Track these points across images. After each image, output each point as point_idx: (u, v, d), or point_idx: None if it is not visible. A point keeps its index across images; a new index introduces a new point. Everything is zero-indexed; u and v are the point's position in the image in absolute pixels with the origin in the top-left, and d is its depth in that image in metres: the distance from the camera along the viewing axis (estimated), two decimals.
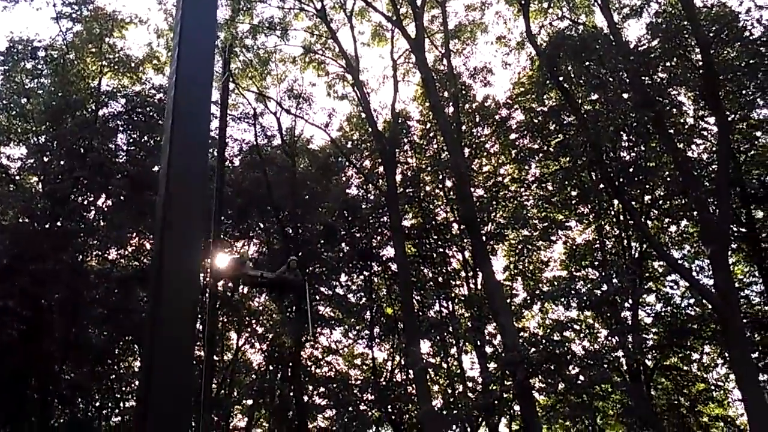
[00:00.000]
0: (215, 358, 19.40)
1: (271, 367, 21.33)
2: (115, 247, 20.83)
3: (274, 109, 24.07)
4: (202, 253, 20.16)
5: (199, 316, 20.57)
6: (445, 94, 24.08)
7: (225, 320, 21.27)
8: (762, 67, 21.25)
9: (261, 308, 22.55)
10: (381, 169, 23.63)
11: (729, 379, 19.15)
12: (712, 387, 20.14)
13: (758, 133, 21.89)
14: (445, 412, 19.11)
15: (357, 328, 22.65)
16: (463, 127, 24.12)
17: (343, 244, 23.04)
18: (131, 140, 21.76)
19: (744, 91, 21.49)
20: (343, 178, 24.57)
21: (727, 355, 18.54)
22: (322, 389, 20.60)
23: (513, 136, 23.97)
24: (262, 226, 23.35)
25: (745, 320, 19.33)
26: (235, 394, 20.73)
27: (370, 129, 22.90)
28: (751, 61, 21.29)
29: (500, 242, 23.30)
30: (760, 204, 21.15)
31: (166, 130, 3.38)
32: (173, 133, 3.30)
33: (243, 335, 21.97)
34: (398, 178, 23.34)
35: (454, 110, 23.81)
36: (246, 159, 23.71)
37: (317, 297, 22.06)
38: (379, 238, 23.38)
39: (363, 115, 23.59)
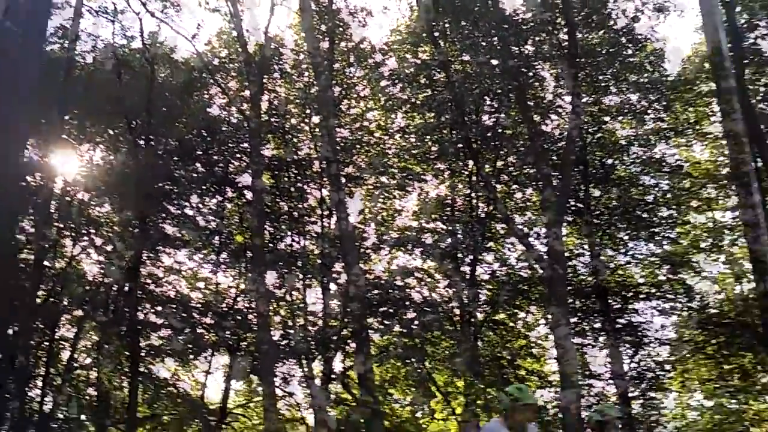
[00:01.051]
0: (45, 264, 18.48)
1: (106, 280, 20.65)
2: None
3: (137, 9, 22.67)
4: (45, 152, 18.93)
5: (32, 217, 19.40)
6: (322, 27, 23.96)
7: (61, 225, 20.16)
8: (619, 56, 23.24)
9: (102, 218, 21.60)
10: (247, 93, 23.20)
11: (548, 338, 21.30)
12: (532, 344, 22.31)
13: (607, 118, 24.02)
14: (283, 343, 19.65)
15: (204, 251, 22.42)
16: (336, 65, 24.19)
17: (198, 165, 22.51)
18: None
19: (600, 77, 23.40)
20: (206, 96, 23.84)
21: (549, 316, 20.59)
22: (159, 308, 20.32)
23: (384, 83, 24.37)
24: (111, 132, 22.19)
25: (569, 288, 21.50)
26: (65, 303, 19.89)
27: (240, 49, 22.31)
28: (611, 50, 23.18)
29: (359, 185, 23.90)
30: (597, 183, 23.39)
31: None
32: (7, 15, 3.23)
33: (79, 243, 20.97)
34: (264, 105, 23.08)
35: (329, 46, 23.79)
36: (100, 58, 22.24)
37: (164, 215, 21.51)
38: (237, 163, 23.09)
39: (234, 33, 22.91)
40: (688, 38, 37.54)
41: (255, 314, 19.23)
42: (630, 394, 20.63)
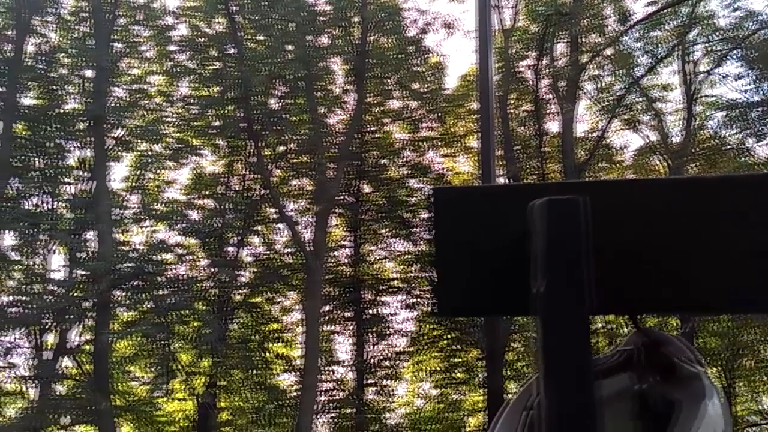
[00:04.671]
0: None
1: None
2: None
3: None
4: None
5: None
6: None
7: None
8: (406, 64, 23.81)
9: None
10: (12, 32, 20.49)
11: (301, 323, 21.21)
12: (285, 329, 22.11)
13: (386, 120, 24.45)
14: (12, 311, 17.54)
15: None
16: (121, 21, 22.20)
17: None
18: None
19: (386, 81, 23.79)
20: None
21: (304, 302, 20.55)
22: None
23: (172, 48, 22.90)
24: None
25: (329, 276, 21.62)
26: None
27: None
28: (399, 55, 23.67)
29: (129, 150, 22.09)
30: (369, 181, 23.72)
31: None
32: None
33: None
34: (30, 49, 20.56)
35: None
36: None
37: None
38: None
39: None
40: (468, 58, 39.58)
41: None
42: (367, 381, 21.22)
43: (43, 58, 21.09)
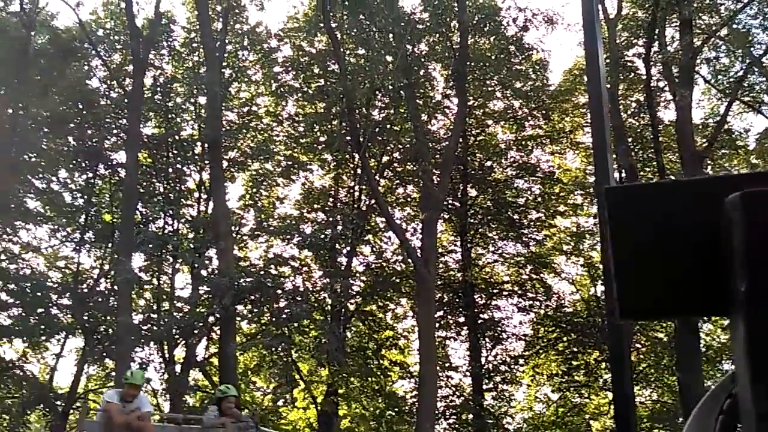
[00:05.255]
0: None
1: None
2: None
3: None
4: None
5: None
6: (217, 8, 22.87)
7: None
8: (507, 64, 23.31)
9: None
10: (131, 67, 21.84)
11: (414, 330, 21.16)
12: (399, 336, 22.19)
13: (490, 122, 24.11)
14: (145, 328, 18.61)
15: (67, 229, 20.92)
16: (229, 47, 23.16)
17: (71, 138, 20.97)
18: None
19: (488, 82, 23.38)
20: (85, 67, 22.23)
21: (417, 309, 20.48)
22: (11, 286, 18.74)
23: (277, 69, 23.63)
24: None
25: (439, 282, 21.48)
26: None
27: (127, 22, 20.96)
28: (500, 56, 23.20)
29: (242, 170, 23.03)
30: (475, 184, 23.43)
31: None
32: None
33: None
34: (148, 81, 21.82)
35: (222, 27, 22.73)
36: None
37: (26, 187, 19.88)
38: (113, 139, 21.69)
39: (123, 4, 21.48)
40: (572, 51, 38.27)
41: (117, 297, 18.10)
42: (484, 386, 20.84)
43: (160, 89, 22.37)
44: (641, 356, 20.36)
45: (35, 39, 21.46)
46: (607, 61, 21.63)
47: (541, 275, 22.27)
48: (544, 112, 23.43)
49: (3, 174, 18.63)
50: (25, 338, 18.80)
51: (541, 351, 21.51)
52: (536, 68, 23.61)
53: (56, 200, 20.31)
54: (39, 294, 18.38)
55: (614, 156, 20.80)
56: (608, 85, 20.97)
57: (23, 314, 18.32)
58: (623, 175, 20.61)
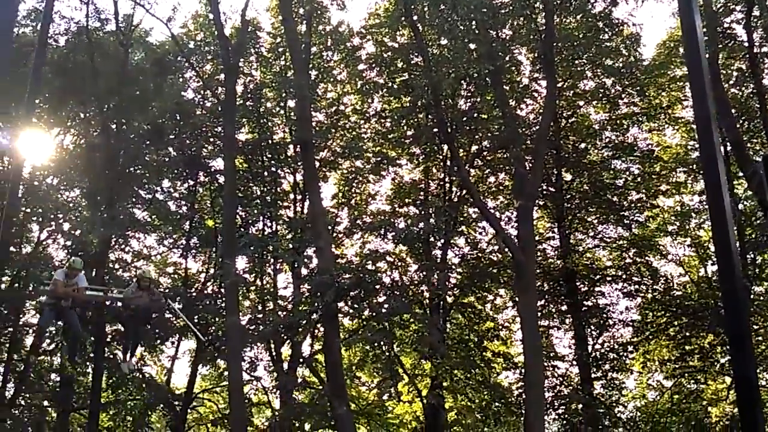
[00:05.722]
0: (11, 249, 17.94)
1: None
2: None
3: None
4: (12, 137, 18.28)
5: None
6: (300, 11, 23.21)
7: (28, 210, 19.60)
8: (596, 41, 22.48)
9: (70, 203, 21.02)
10: (222, 76, 22.54)
11: (515, 320, 20.87)
12: (500, 326, 21.90)
13: (581, 103, 23.39)
14: (251, 328, 19.19)
15: (174, 236, 21.86)
16: (313, 49, 23.50)
17: (171, 149, 21.90)
18: None
19: (576, 62, 22.65)
20: (180, 80, 23.13)
21: (517, 299, 20.14)
22: None
23: (361, 66, 23.74)
24: (82, 116, 21.52)
25: (538, 271, 21.04)
26: (30, 289, 19.37)
27: (216, 32, 21.63)
28: (588, 34, 22.41)
29: (333, 170, 23.34)
30: (570, 168, 22.79)
31: None
32: None
33: (46, 228, 20.42)
34: (239, 89, 22.43)
35: (306, 29, 23.09)
36: (73, 41, 21.47)
37: (134, 199, 20.95)
38: (210, 147, 22.48)
39: (211, 16, 22.18)
40: (665, 23, 36.49)
41: (224, 299, 18.74)
42: (593, 375, 20.27)
43: (251, 95, 22.96)
44: (759, 338, 19.24)
45: (132, 56, 22.52)
46: (705, 29, 20.53)
47: (646, 258, 21.41)
48: (638, 88, 22.48)
49: (113, 186, 19.67)
50: (142, 342, 19.77)
51: (651, 337, 20.71)
52: (627, 44, 22.62)
53: (162, 209, 21.24)
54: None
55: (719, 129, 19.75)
56: (707, 55, 19.94)
57: None
58: (728, 148, 19.55)
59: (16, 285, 19.32)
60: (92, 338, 19.08)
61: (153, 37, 23.99)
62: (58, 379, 20.43)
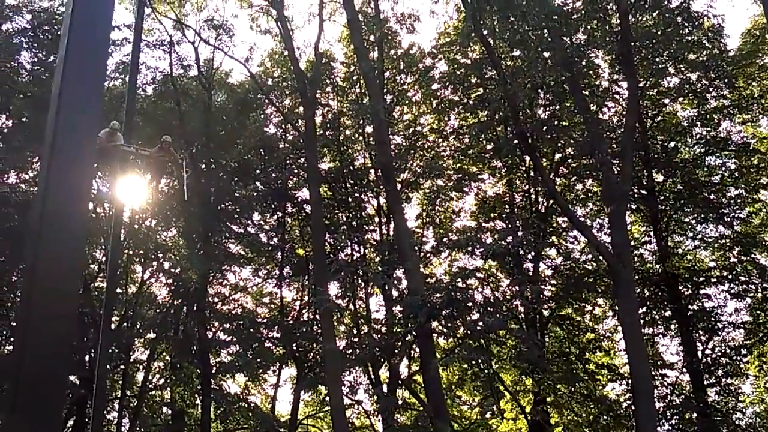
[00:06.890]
0: (118, 290, 18.96)
1: (175, 302, 21.07)
2: (14, 170, 19.84)
3: (192, 39, 23.19)
4: (112, 182, 19.40)
5: (103, 246, 19.98)
6: (371, 38, 23.73)
7: (131, 252, 20.71)
8: (676, 36, 21.91)
9: (169, 242, 22.10)
10: (301, 109, 23.26)
11: (617, 330, 20.27)
12: (601, 337, 21.31)
13: (666, 101, 22.76)
14: (348, 352, 19.45)
15: (267, 267, 22.54)
16: (387, 74, 23.94)
17: (258, 183, 22.71)
18: (36, 59, 20.50)
19: (657, 59, 22.10)
20: (261, 116, 24.03)
21: (616, 308, 19.58)
22: (227, 325, 20.55)
23: (435, 86, 24.00)
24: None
25: (636, 277, 20.43)
26: (138, 327, 20.42)
27: (292, 67, 22.39)
28: (666, 30, 21.86)
29: (415, 190, 23.55)
30: (660, 168, 22.14)
31: (62, 48, 3.18)
32: (68, 53, 3.09)
33: (148, 268, 21.52)
34: (318, 119, 23.06)
35: (378, 55, 23.57)
36: (159, 88, 22.76)
37: (227, 234, 21.78)
38: (295, 179, 23.17)
39: (285, 52, 23.00)
40: (747, 11, 35.09)
41: (320, 325, 19.11)
42: (705, 382, 19.37)
43: (329, 125, 23.57)
44: None
45: (215, 98, 23.59)
46: None
47: (752, 256, 20.45)
48: (726, 80, 21.66)
49: (207, 224, 20.54)
50: (245, 372, 20.43)
51: (765, 338, 19.67)
52: (710, 36, 21.92)
53: (254, 242, 21.98)
54: (252, 330, 19.94)
55: None
56: None
57: (241, 350, 19.96)
58: None
59: (125, 324, 20.39)
60: (198, 371, 19.87)
61: (233, 78, 25.08)
62: (170, 412, 21.34)
